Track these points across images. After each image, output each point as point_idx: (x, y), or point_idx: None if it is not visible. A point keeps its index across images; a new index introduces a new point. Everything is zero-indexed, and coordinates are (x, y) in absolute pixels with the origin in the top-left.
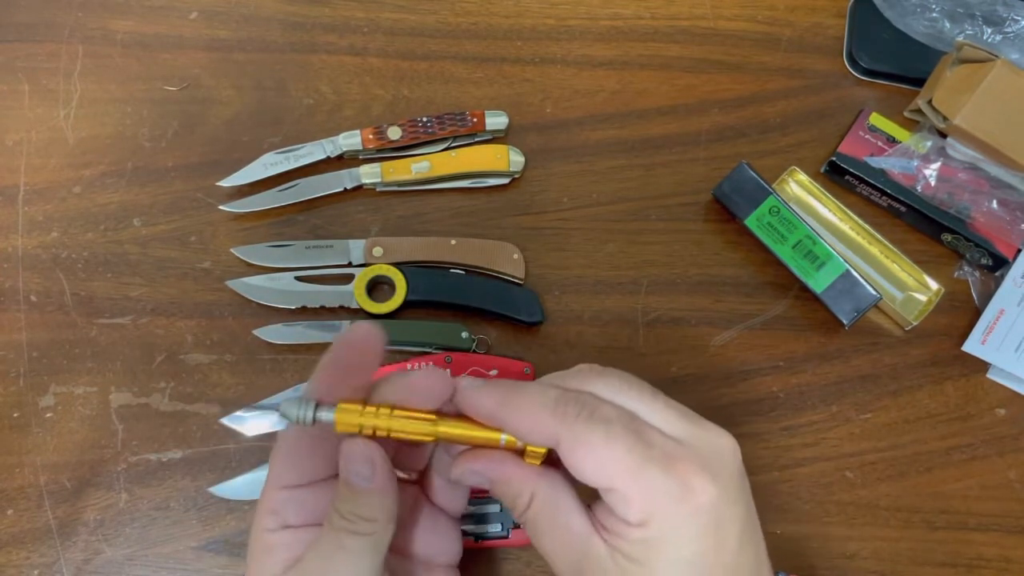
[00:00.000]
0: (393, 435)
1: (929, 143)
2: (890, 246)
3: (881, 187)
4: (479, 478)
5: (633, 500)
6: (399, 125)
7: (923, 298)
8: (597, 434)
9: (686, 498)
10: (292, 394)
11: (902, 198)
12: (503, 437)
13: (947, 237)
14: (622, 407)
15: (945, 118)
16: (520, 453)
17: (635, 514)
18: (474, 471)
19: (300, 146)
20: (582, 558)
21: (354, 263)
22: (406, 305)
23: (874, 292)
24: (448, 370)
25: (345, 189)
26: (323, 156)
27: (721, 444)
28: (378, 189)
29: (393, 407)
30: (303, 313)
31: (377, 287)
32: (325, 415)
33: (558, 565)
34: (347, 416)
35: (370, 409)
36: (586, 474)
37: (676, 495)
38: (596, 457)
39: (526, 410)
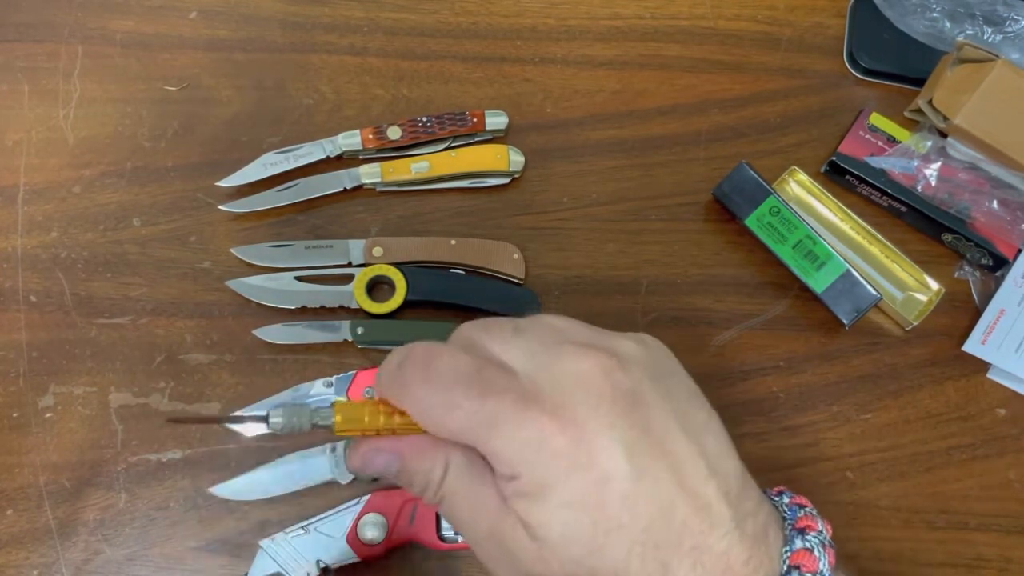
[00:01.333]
0: (399, 431)
1: (929, 143)
2: (890, 246)
3: (881, 187)
4: (386, 459)
5: (496, 455)
6: (399, 125)
7: (923, 298)
8: (437, 396)
9: (544, 445)
10: (290, 395)
11: (902, 198)
12: None
13: (947, 237)
14: (472, 345)
15: (945, 118)
16: None
17: (505, 468)
18: (380, 451)
19: (300, 146)
20: (495, 525)
21: (354, 263)
22: (406, 305)
23: (874, 292)
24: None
25: (345, 189)
26: (323, 156)
27: (578, 371)
28: (378, 189)
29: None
30: (303, 313)
31: (377, 287)
32: (324, 420)
33: (475, 536)
34: (351, 412)
35: (370, 405)
36: (452, 438)
37: (534, 443)
38: (447, 422)
39: (380, 379)
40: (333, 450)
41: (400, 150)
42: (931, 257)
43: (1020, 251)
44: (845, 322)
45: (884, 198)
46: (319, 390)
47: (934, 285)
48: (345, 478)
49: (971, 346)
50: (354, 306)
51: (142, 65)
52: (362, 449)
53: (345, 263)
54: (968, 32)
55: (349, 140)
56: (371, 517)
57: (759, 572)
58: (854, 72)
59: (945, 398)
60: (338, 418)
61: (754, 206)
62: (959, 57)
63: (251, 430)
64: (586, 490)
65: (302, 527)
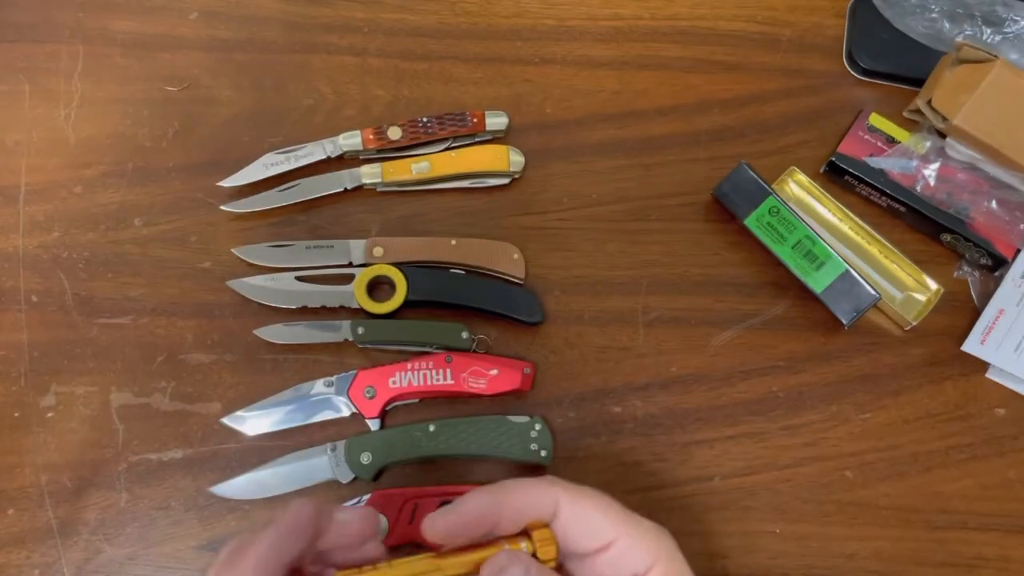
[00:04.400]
0: None
1: (928, 143)
2: (889, 246)
3: (881, 187)
4: None
5: (638, 547)
6: (399, 125)
7: (922, 298)
8: (586, 495)
9: (673, 546)
10: (291, 395)
11: (901, 198)
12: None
13: (946, 237)
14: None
15: (945, 118)
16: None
17: (642, 559)
18: None
19: (300, 146)
20: None
21: (354, 263)
22: (406, 305)
23: (873, 292)
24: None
25: (345, 189)
26: (323, 156)
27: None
28: (378, 189)
29: (390, 561)
30: (303, 313)
31: (377, 287)
32: None
33: None
34: None
35: (367, 570)
36: (592, 527)
37: (667, 542)
38: (597, 509)
39: (520, 489)
40: (333, 449)
41: (401, 150)
42: (930, 257)
43: (1019, 251)
44: (844, 322)
45: (883, 198)
46: (320, 390)
47: (933, 285)
48: (346, 477)
49: (970, 346)
50: (354, 306)
51: (143, 65)
52: None
53: (346, 263)
54: (967, 32)
55: (350, 140)
56: None
57: None
58: (853, 72)
59: (944, 398)
60: None
61: (754, 206)
62: (958, 58)
63: (252, 429)
64: None
65: None
